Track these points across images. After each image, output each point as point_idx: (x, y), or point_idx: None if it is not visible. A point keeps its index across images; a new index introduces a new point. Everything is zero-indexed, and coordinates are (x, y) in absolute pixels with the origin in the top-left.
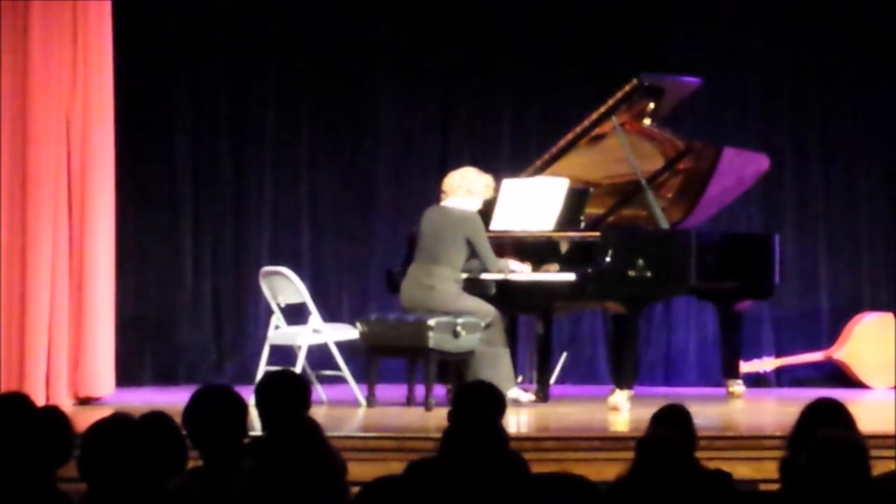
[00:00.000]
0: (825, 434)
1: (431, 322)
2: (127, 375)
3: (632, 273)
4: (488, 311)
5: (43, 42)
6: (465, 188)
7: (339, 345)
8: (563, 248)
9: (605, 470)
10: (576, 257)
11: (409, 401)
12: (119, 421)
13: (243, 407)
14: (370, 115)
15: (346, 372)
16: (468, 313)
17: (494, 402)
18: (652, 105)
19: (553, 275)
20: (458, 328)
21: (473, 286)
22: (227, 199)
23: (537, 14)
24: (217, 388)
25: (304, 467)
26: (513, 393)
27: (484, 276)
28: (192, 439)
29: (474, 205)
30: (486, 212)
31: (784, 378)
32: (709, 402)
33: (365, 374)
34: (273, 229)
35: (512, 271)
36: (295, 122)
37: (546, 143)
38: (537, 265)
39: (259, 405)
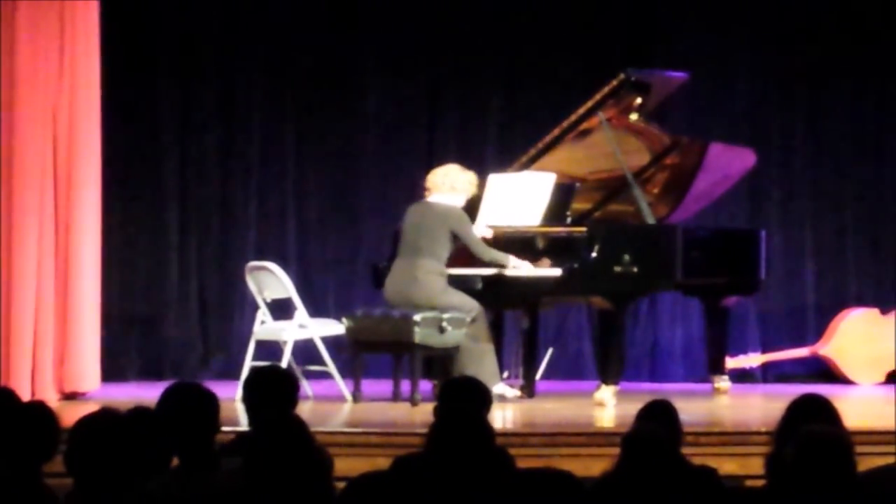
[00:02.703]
0: (810, 430)
1: (417, 317)
2: (112, 371)
3: (618, 268)
4: (473, 305)
5: (29, 37)
6: (448, 185)
7: (325, 340)
8: (550, 243)
9: (591, 466)
10: (562, 252)
11: (395, 396)
12: (107, 416)
13: (215, 404)
14: (356, 110)
15: (331, 367)
16: (453, 307)
17: (480, 397)
18: (639, 100)
19: (539, 269)
20: (444, 323)
21: (459, 281)
22: (213, 195)
23: (525, 9)
24: (187, 385)
25: (290, 463)
26: (498, 388)
27: (475, 270)
28: (166, 437)
29: (458, 201)
30: (470, 209)
31: (770, 374)
32: (694, 398)
33: (351, 370)
34: (259, 224)
35: (509, 265)
36: (281, 117)
37: (533, 139)
38: (531, 260)
39: (246, 401)
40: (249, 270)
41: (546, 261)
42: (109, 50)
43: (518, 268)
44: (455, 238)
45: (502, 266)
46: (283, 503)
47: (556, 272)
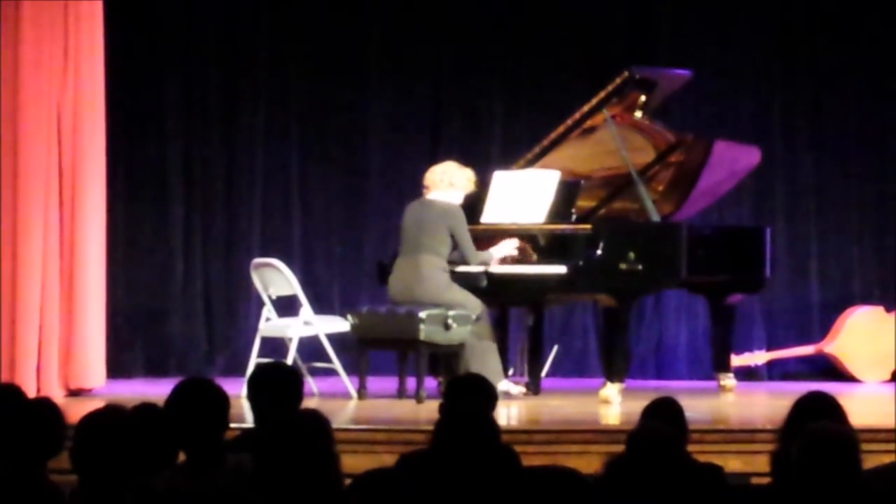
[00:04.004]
0: (816, 427)
1: (422, 314)
2: (118, 367)
3: (623, 266)
4: (476, 303)
5: (34, 36)
6: (447, 181)
7: (331, 337)
8: (554, 240)
9: (597, 463)
10: (566, 250)
11: (401, 393)
12: (112, 413)
13: (224, 400)
14: (361, 107)
15: (337, 364)
16: (457, 304)
17: (486, 394)
18: (643, 97)
19: (544, 267)
20: (450, 321)
21: (464, 278)
22: (218, 191)
23: (529, 7)
24: (198, 381)
25: (296, 460)
26: (503, 385)
27: (463, 268)
28: (175, 434)
29: (457, 198)
30: (469, 205)
31: (775, 371)
32: (700, 396)
33: (356, 367)
34: (264, 221)
35: (495, 260)
36: (286, 114)
37: (537, 136)
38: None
39: (251, 398)
40: (254, 267)
41: (532, 256)
42: (114, 48)
43: (498, 254)
44: (452, 236)
45: (488, 264)
46: (291, 500)
47: (561, 270)
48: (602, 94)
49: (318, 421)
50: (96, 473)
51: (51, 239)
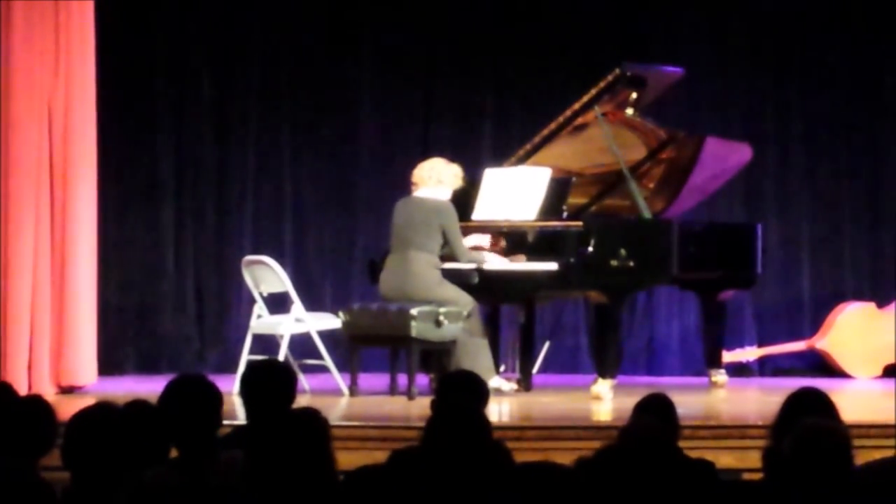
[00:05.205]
0: (808, 423)
1: (414, 311)
2: (109, 364)
3: (614, 262)
4: (467, 300)
5: (25, 32)
6: (435, 178)
7: (322, 334)
8: (545, 237)
9: None
10: (557, 247)
11: (392, 390)
12: (103, 410)
13: (218, 397)
14: (353, 105)
15: (328, 361)
16: (448, 301)
17: (477, 391)
18: (634, 95)
19: (535, 264)
20: (441, 317)
21: (455, 275)
22: (210, 188)
23: (521, 4)
24: (191, 378)
25: (291, 458)
26: (494, 382)
27: (454, 265)
28: (168, 430)
29: (445, 194)
30: (457, 202)
31: (767, 367)
32: (692, 392)
33: (347, 364)
34: (255, 218)
35: (484, 263)
36: (277, 111)
37: (529, 133)
38: (507, 255)
39: (244, 395)
40: (246, 264)
41: (520, 256)
42: (105, 45)
43: (492, 262)
44: (444, 234)
45: (480, 264)
46: (284, 497)
47: (553, 266)
48: (594, 91)
49: (316, 420)
50: (88, 470)
51: (42, 236)
